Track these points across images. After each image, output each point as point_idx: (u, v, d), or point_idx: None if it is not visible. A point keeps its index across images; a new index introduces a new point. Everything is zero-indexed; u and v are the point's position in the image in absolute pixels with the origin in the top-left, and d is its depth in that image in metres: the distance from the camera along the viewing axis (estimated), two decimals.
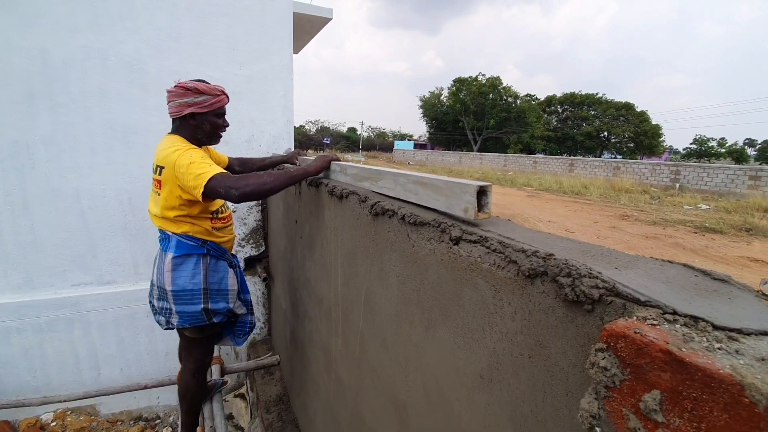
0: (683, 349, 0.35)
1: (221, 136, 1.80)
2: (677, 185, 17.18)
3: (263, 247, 3.29)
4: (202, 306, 1.70)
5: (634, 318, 0.42)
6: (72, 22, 2.61)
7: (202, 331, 1.82)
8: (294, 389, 2.42)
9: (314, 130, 59.13)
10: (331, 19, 4.35)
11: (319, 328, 1.79)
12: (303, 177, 1.60)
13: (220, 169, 1.48)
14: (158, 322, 1.80)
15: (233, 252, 1.98)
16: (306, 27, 4.58)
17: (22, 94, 2.58)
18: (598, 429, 0.42)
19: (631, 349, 0.39)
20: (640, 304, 0.44)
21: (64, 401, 2.64)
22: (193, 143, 1.66)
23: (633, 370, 0.39)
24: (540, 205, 12.51)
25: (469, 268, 0.74)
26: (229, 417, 3.03)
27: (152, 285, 1.78)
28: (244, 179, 1.44)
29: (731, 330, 0.39)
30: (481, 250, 0.72)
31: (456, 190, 0.83)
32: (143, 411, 3.16)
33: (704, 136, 42.53)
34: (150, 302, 1.83)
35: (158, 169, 1.62)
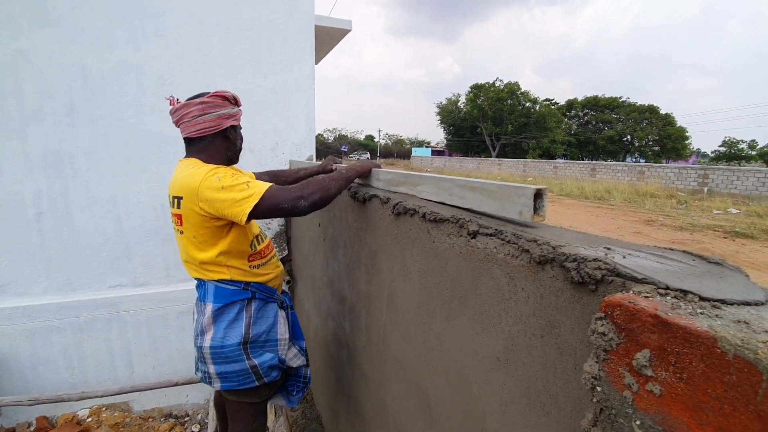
0: (669, 314, 0.41)
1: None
2: (705, 189, 16.68)
3: (286, 251, 3.40)
4: (247, 364, 1.43)
5: (631, 292, 0.48)
6: (109, 38, 2.80)
7: (253, 395, 1.51)
8: (317, 387, 2.50)
9: (332, 138, 59.92)
10: (350, 30, 4.48)
11: (343, 325, 1.86)
12: (354, 178, 1.49)
13: (265, 183, 1.28)
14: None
15: (283, 288, 1.70)
16: (326, 38, 4.74)
17: (64, 107, 2.77)
18: (598, 388, 0.48)
19: (625, 315, 0.45)
20: (638, 281, 0.50)
21: (101, 396, 2.78)
22: (219, 164, 1.44)
23: (627, 334, 0.44)
24: (561, 210, 12.36)
25: (485, 259, 0.81)
26: None
27: (194, 342, 1.52)
28: (307, 187, 1.26)
29: (715, 300, 0.44)
30: (496, 241, 0.78)
31: (510, 193, 0.84)
32: (173, 408, 3.29)
33: (734, 138, 41.16)
34: (195, 362, 1.56)
35: (175, 201, 1.38)
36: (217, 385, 1.46)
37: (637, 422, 0.43)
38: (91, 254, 2.94)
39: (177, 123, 1.46)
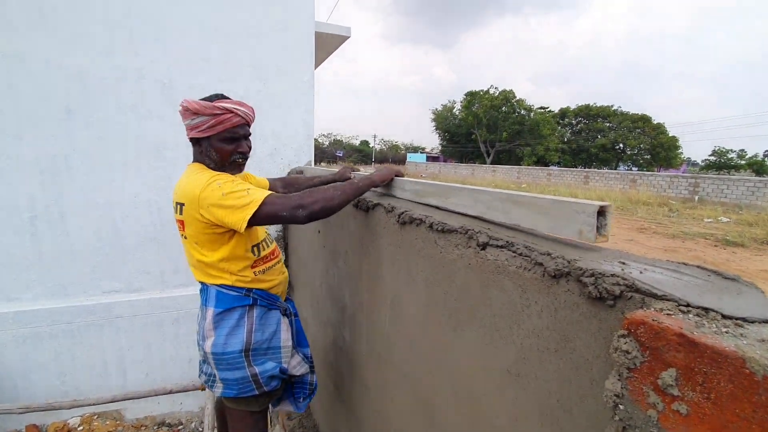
0: (695, 332, 0.41)
1: (241, 164, 1.49)
2: (696, 197, 16.91)
3: (284, 257, 3.38)
4: (248, 371, 1.43)
5: (652, 309, 0.48)
6: (108, 43, 2.78)
7: (253, 404, 1.50)
8: (315, 396, 2.47)
9: (327, 143, 59.96)
10: (349, 37, 4.50)
11: (343, 334, 1.85)
12: (368, 188, 1.41)
13: (264, 191, 1.28)
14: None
15: (287, 296, 1.69)
16: (324, 45, 4.75)
17: (61, 110, 2.74)
18: (621, 406, 0.48)
19: (650, 334, 0.45)
20: (657, 297, 0.50)
21: (93, 404, 2.73)
22: (214, 170, 1.42)
23: (651, 353, 0.44)
24: None
25: (496, 270, 0.81)
26: None
27: (197, 344, 1.52)
28: (309, 195, 1.25)
29: (738, 318, 0.45)
30: (507, 254, 0.78)
31: (566, 209, 0.75)
32: (166, 416, 3.24)
33: (723, 147, 41.80)
34: (199, 365, 1.57)
35: (178, 207, 1.39)
36: (219, 391, 1.46)
37: None
38: (86, 259, 2.90)
39: None
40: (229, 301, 1.43)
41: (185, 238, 1.43)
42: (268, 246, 1.59)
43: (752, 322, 0.44)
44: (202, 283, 1.49)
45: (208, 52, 2.99)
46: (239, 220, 1.23)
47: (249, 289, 1.46)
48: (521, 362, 0.74)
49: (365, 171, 1.65)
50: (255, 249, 1.50)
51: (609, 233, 0.70)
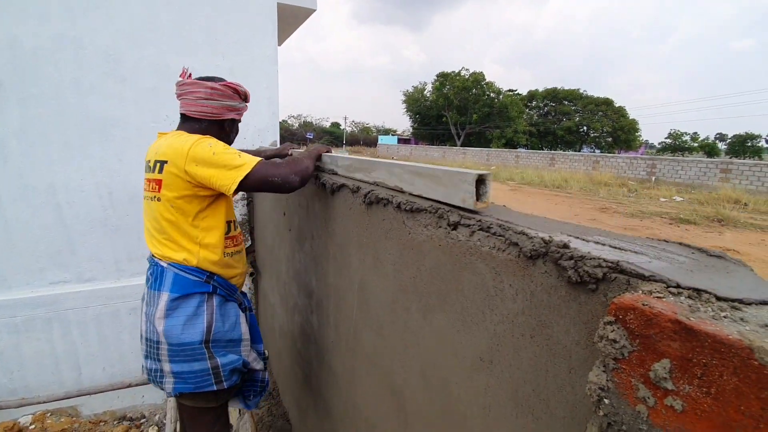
0: (691, 318, 0.36)
1: None
2: (653, 178, 17.71)
3: (249, 242, 3.24)
4: (209, 363, 1.32)
5: (640, 292, 0.43)
6: (43, 8, 2.50)
7: (211, 399, 1.39)
8: (283, 383, 2.41)
9: (297, 124, 58.47)
10: (315, 10, 4.28)
11: (310, 320, 1.77)
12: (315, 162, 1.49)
13: (255, 157, 1.26)
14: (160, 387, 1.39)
15: (243, 289, 1.63)
16: (289, 18, 4.50)
17: None
18: (606, 401, 0.43)
19: (640, 320, 0.40)
20: (645, 279, 0.45)
21: (44, 402, 2.56)
22: None
23: (642, 341, 0.40)
24: (522, 198, 12.73)
25: (468, 252, 0.75)
26: None
27: (141, 337, 1.40)
28: (294, 164, 1.30)
29: (734, 300, 0.40)
30: (480, 234, 0.72)
31: (454, 179, 0.82)
32: (127, 410, 3.09)
33: (678, 130, 43.86)
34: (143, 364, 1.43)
35: (157, 165, 1.29)
36: (170, 387, 1.33)
37: None
38: (28, 248, 2.66)
39: (178, 96, 1.42)
40: (188, 286, 1.31)
41: (158, 200, 1.31)
42: (236, 228, 1.54)
43: (749, 304, 0.40)
44: (157, 263, 1.35)
45: (157, 21, 2.75)
46: (230, 181, 1.20)
47: (211, 275, 1.36)
48: (494, 349, 0.69)
49: (334, 152, 1.61)
50: (231, 225, 1.47)
51: (489, 200, 0.78)
